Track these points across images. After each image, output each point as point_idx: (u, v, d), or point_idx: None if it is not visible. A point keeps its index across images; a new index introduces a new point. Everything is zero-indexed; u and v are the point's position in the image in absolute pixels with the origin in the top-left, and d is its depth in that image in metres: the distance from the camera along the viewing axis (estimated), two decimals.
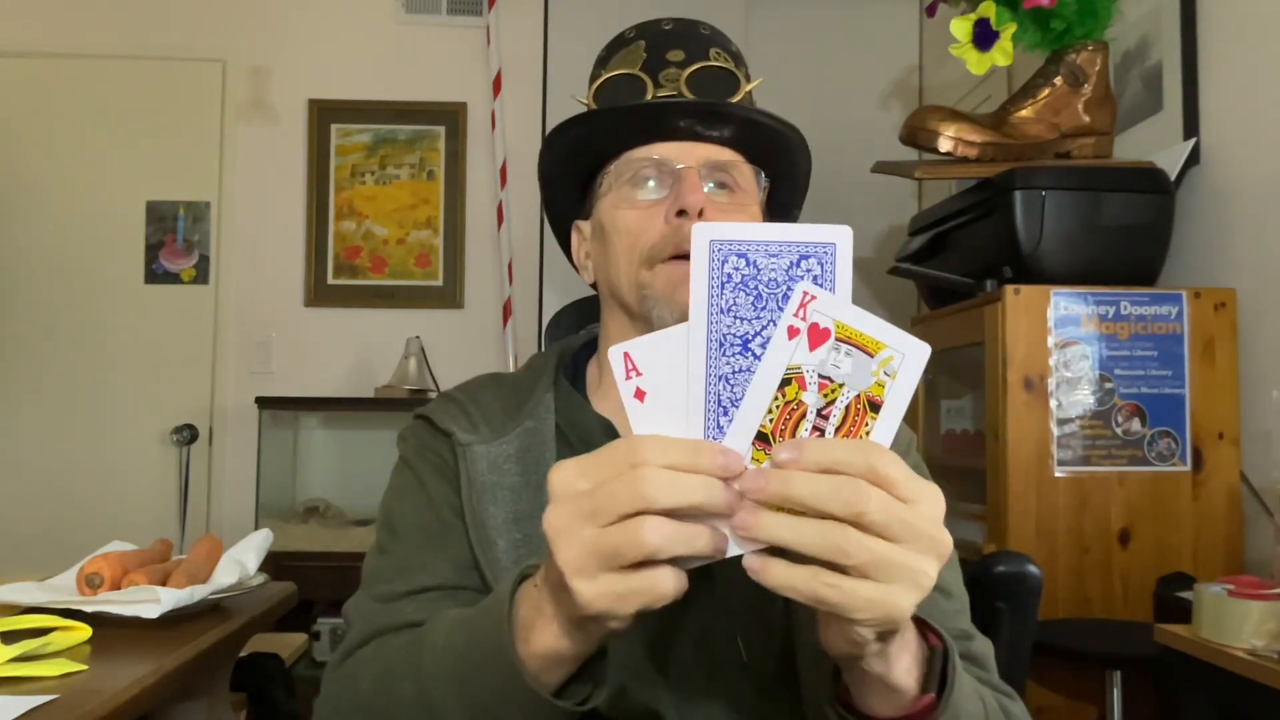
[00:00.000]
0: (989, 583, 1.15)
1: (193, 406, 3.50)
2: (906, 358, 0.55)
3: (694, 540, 0.53)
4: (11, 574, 1.37)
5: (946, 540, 0.54)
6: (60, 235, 3.51)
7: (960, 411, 2.36)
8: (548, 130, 0.94)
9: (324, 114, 3.61)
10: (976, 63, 2.16)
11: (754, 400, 0.55)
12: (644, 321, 0.87)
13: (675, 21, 0.94)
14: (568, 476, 0.56)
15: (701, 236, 0.57)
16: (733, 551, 0.55)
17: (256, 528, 1.86)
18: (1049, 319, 1.94)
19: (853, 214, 3.30)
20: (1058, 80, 2.13)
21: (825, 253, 0.56)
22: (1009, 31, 2.11)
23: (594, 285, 0.98)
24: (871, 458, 0.53)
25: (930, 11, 2.43)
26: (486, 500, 0.84)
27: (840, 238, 0.56)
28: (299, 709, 1.93)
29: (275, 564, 2.35)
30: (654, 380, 0.57)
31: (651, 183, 0.88)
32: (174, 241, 3.56)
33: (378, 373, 3.45)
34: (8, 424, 3.47)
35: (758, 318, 0.56)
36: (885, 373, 0.55)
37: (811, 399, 0.55)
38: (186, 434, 3.42)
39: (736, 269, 0.56)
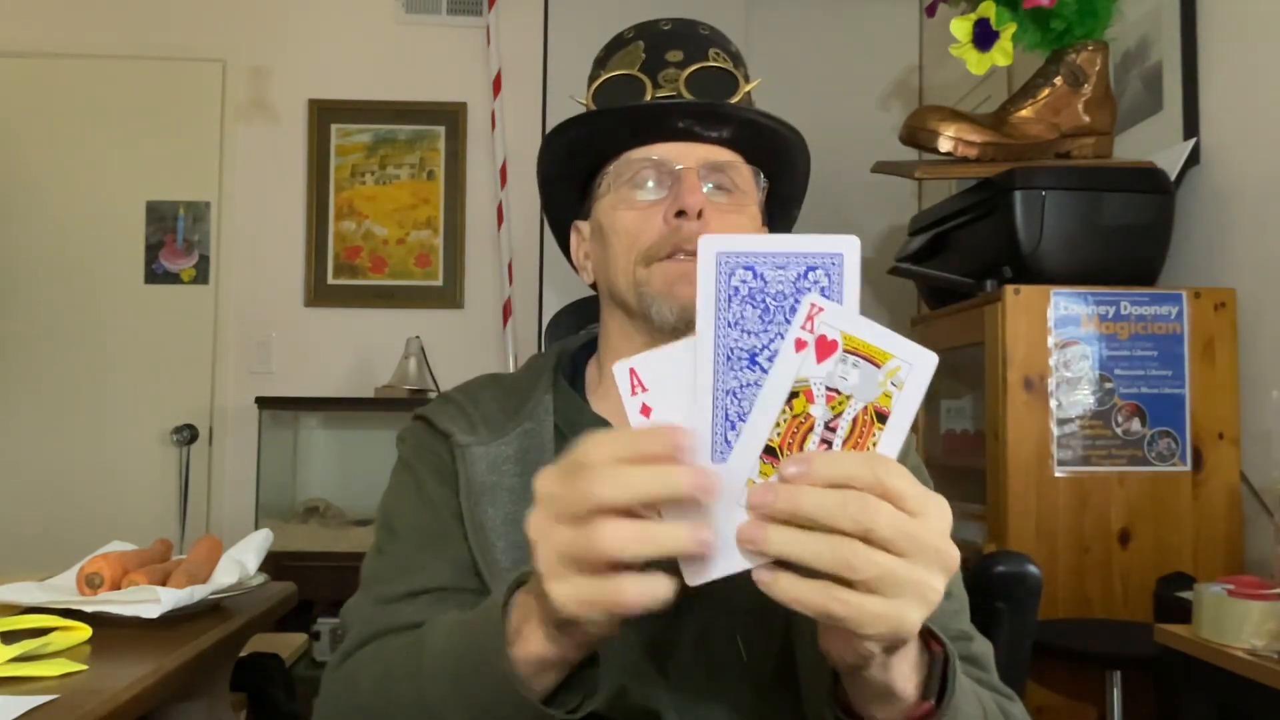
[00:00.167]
0: (989, 583, 1.15)
1: (193, 406, 3.50)
2: (914, 368, 0.54)
3: (658, 540, 0.52)
4: (11, 574, 1.37)
5: (954, 554, 0.54)
6: (60, 235, 3.51)
7: (960, 411, 2.36)
8: (547, 130, 0.94)
9: (324, 114, 3.61)
10: (976, 63, 2.16)
11: (761, 415, 0.55)
12: (644, 320, 0.87)
13: (674, 22, 0.94)
14: (547, 480, 0.56)
15: (708, 249, 0.56)
16: (740, 566, 0.55)
17: (256, 528, 1.86)
18: (1049, 319, 1.94)
19: (853, 214, 3.31)
20: (1058, 80, 2.13)
21: (833, 263, 0.56)
22: (1009, 31, 2.11)
23: (593, 285, 0.98)
24: (879, 471, 0.52)
25: (930, 11, 2.43)
26: (485, 502, 0.84)
27: (848, 248, 0.56)
28: (299, 709, 1.93)
29: (275, 564, 2.35)
30: (660, 396, 0.57)
31: (650, 183, 0.88)
32: (174, 241, 3.56)
33: (378, 373, 3.45)
34: (8, 424, 3.47)
35: (765, 331, 0.56)
36: (893, 383, 0.54)
37: (819, 411, 0.55)
38: (186, 434, 3.42)
39: (744, 282, 0.56)
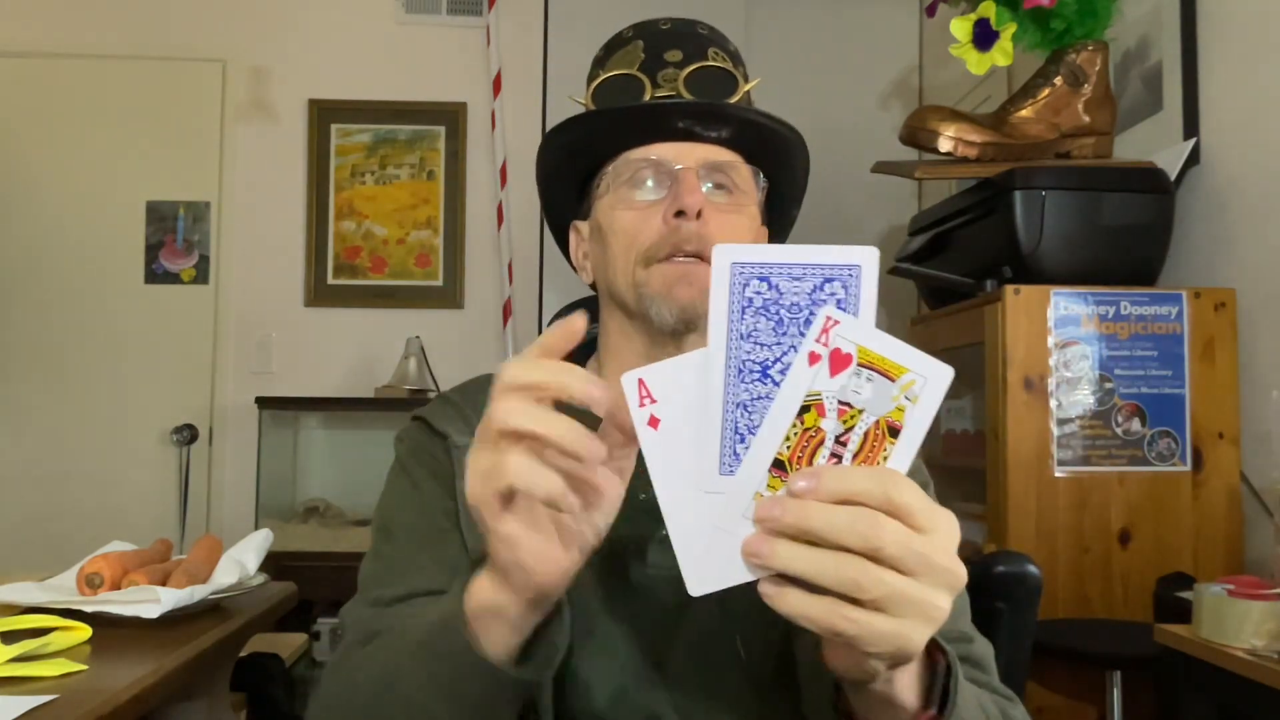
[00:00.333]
0: (989, 583, 1.15)
1: (193, 406, 3.50)
2: (929, 382, 0.53)
3: (536, 481, 0.55)
4: (11, 574, 1.37)
5: (961, 572, 0.54)
6: (60, 235, 3.51)
7: (960, 411, 2.36)
8: (547, 130, 0.94)
9: (324, 114, 3.61)
10: (976, 63, 2.16)
11: (772, 428, 0.55)
12: (643, 320, 0.87)
13: (673, 21, 0.94)
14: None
15: (723, 259, 0.55)
16: (745, 577, 0.55)
17: (256, 528, 1.86)
18: (1049, 319, 1.94)
19: (853, 214, 3.31)
20: (1058, 80, 2.13)
21: (850, 275, 0.55)
22: (1009, 31, 2.11)
23: (593, 285, 0.97)
24: (888, 487, 0.52)
25: (930, 11, 2.43)
26: None
27: (866, 259, 0.54)
28: (299, 709, 1.93)
29: (275, 564, 2.35)
30: (669, 408, 0.56)
31: (650, 183, 0.87)
32: (174, 241, 3.56)
33: (378, 373, 3.45)
34: (7, 424, 3.47)
35: (778, 343, 0.55)
36: (906, 397, 0.53)
37: (830, 425, 0.54)
38: (186, 434, 3.42)
39: (758, 293, 0.55)
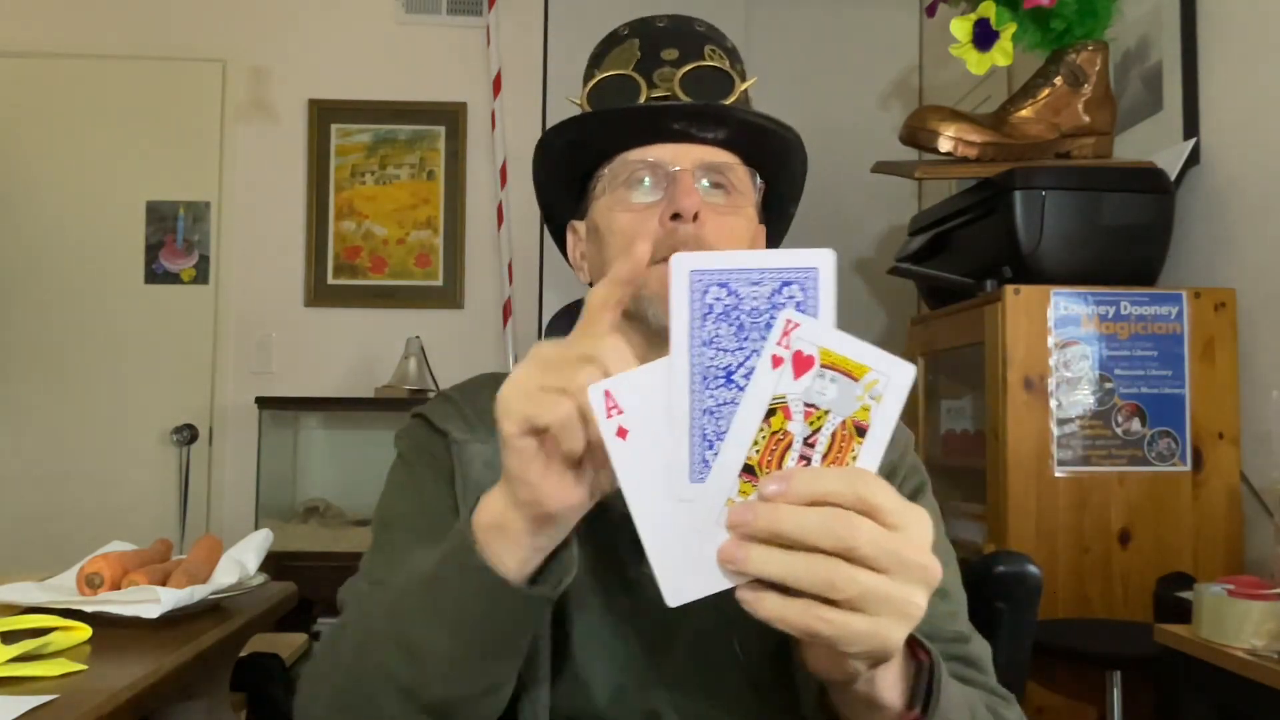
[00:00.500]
0: (989, 583, 1.15)
1: (193, 406, 3.50)
2: (891, 379, 0.54)
3: (570, 435, 0.58)
4: (11, 574, 1.37)
5: (936, 568, 0.54)
6: (60, 235, 3.51)
7: (960, 411, 2.36)
8: (543, 132, 0.94)
9: (324, 114, 3.61)
10: (976, 63, 2.16)
11: (739, 433, 0.55)
12: (641, 321, 0.87)
13: (669, 18, 0.94)
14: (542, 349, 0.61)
15: (681, 268, 0.56)
16: (722, 585, 0.55)
17: (256, 528, 1.86)
18: (1049, 319, 1.94)
19: (853, 214, 3.31)
20: (1058, 80, 2.13)
21: (808, 278, 0.55)
22: (1009, 31, 2.11)
23: (591, 285, 0.97)
24: (859, 486, 0.52)
25: (930, 11, 2.43)
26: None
27: (823, 262, 0.55)
28: None
29: (275, 564, 2.34)
30: (636, 417, 0.56)
31: (646, 183, 0.87)
32: (174, 241, 3.56)
33: (378, 373, 3.45)
34: (7, 424, 3.47)
35: (740, 348, 0.55)
36: (870, 396, 0.54)
37: (797, 428, 0.55)
38: (186, 434, 3.42)
39: (718, 299, 0.55)
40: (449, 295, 3.60)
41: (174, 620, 1.20)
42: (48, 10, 3.56)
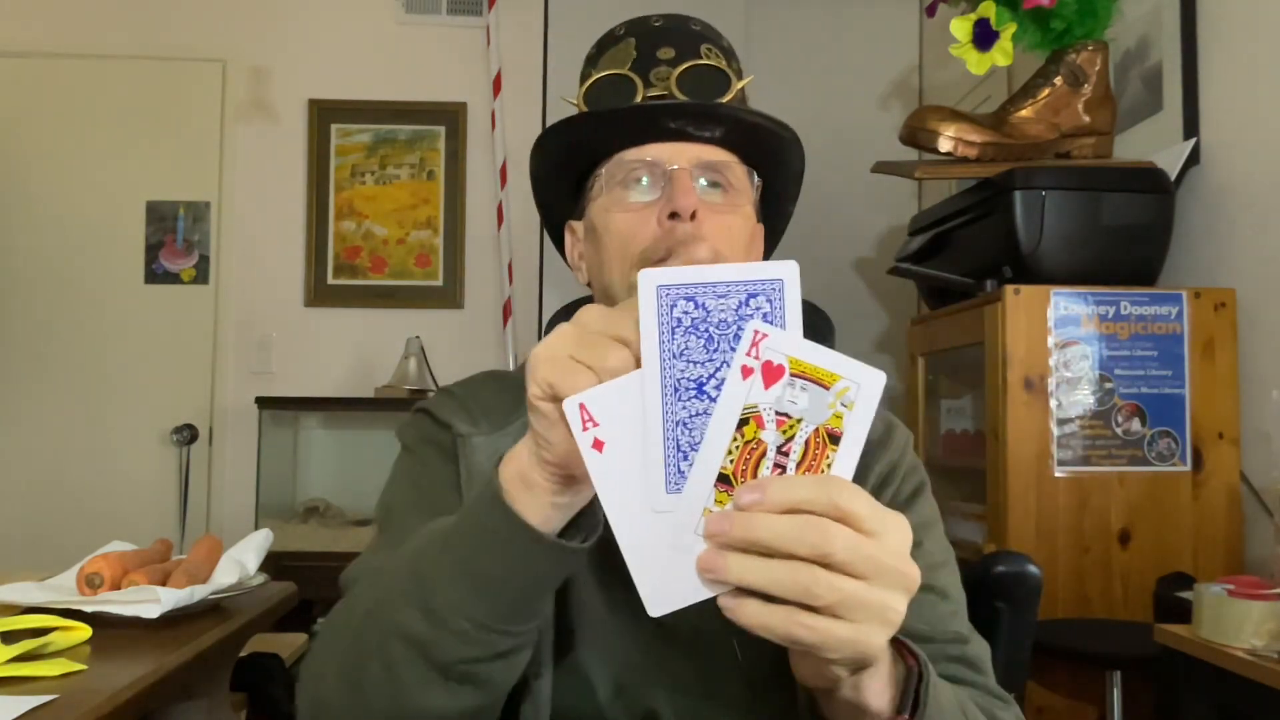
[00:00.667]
0: (989, 583, 1.15)
1: (193, 406, 3.50)
2: (862, 387, 0.55)
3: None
4: (11, 574, 1.37)
5: (914, 573, 0.55)
6: (60, 235, 3.51)
7: (960, 411, 2.36)
8: (540, 133, 0.94)
9: (324, 114, 3.61)
10: (976, 63, 2.16)
11: (713, 443, 0.56)
12: None
13: (665, 18, 0.94)
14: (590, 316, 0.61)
15: (648, 283, 0.56)
16: (702, 594, 0.55)
17: (256, 528, 1.86)
18: (1049, 319, 1.94)
19: (853, 214, 3.31)
20: (1058, 80, 2.13)
21: (773, 289, 0.56)
22: (1009, 31, 2.11)
23: (589, 285, 0.97)
24: (834, 493, 0.53)
25: (930, 11, 2.43)
26: None
27: (787, 273, 0.56)
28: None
29: (275, 564, 2.35)
30: (611, 430, 0.57)
31: (644, 182, 0.87)
32: (174, 241, 3.56)
33: (378, 373, 3.45)
34: (7, 424, 3.47)
35: (710, 360, 0.56)
36: (842, 404, 0.55)
37: (770, 437, 0.55)
38: (186, 434, 3.42)
39: (686, 313, 0.56)
40: (449, 295, 3.60)
41: (174, 620, 1.20)
42: (48, 10, 3.56)
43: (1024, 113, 2.14)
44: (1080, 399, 1.93)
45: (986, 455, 2.00)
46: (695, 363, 0.56)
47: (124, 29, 3.56)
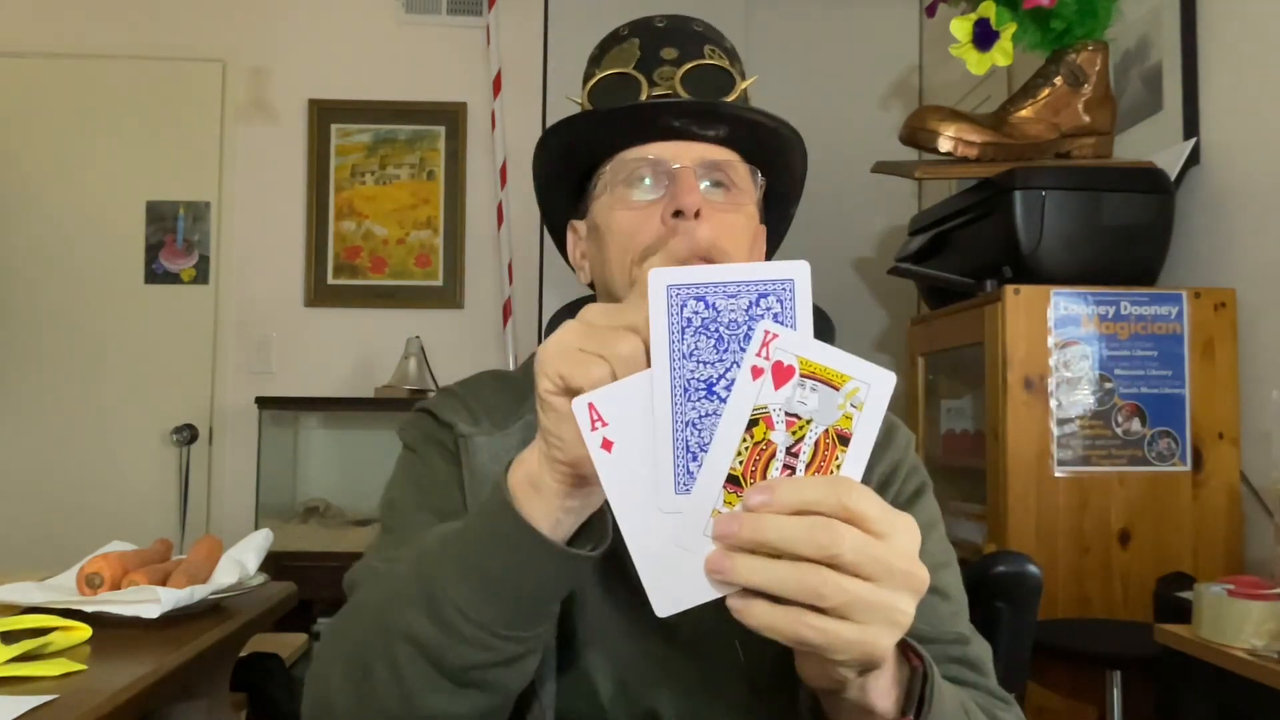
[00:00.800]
0: (989, 583, 1.15)
1: (193, 406, 3.50)
2: (872, 388, 0.54)
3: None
4: (11, 574, 1.37)
5: (923, 575, 0.54)
6: (60, 235, 3.51)
7: (960, 411, 2.36)
8: (543, 131, 0.94)
9: (324, 114, 3.61)
10: (976, 63, 2.16)
11: (722, 443, 0.55)
12: None
13: (669, 18, 0.94)
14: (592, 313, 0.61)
15: (658, 282, 0.56)
16: (710, 595, 0.55)
17: (256, 528, 1.86)
18: (1049, 319, 1.94)
19: (853, 214, 3.31)
20: (1058, 80, 2.13)
21: (784, 289, 0.56)
22: (1009, 31, 2.11)
23: (591, 284, 0.97)
24: (843, 494, 0.53)
25: (930, 11, 2.43)
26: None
27: (798, 273, 0.56)
28: (299, 709, 1.93)
29: (275, 564, 2.35)
30: (620, 430, 0.57)
31: (647, 182, 0.87)
32: (174, 241, 3.56)
33: (378, 373, 3.45)
34: (7, 424, 3.47)
35: (720, 360, 0.56)
36: (852, 405, 0.54)
37: (780, 438, 0.55)
38: (186, 434, 3.42)
39: (696, 313, 0.56)
40: (449, 295, 3.60)
41: (174, 620, 1.20)
42: (48, 10, 3.56)
43: (1024, 113, 2.14)
44: (1080, 399, 1.93)
45: (986, 455, 2.00)
46: (705, 363, 0.56)
47: (124, 29, 3.56)
